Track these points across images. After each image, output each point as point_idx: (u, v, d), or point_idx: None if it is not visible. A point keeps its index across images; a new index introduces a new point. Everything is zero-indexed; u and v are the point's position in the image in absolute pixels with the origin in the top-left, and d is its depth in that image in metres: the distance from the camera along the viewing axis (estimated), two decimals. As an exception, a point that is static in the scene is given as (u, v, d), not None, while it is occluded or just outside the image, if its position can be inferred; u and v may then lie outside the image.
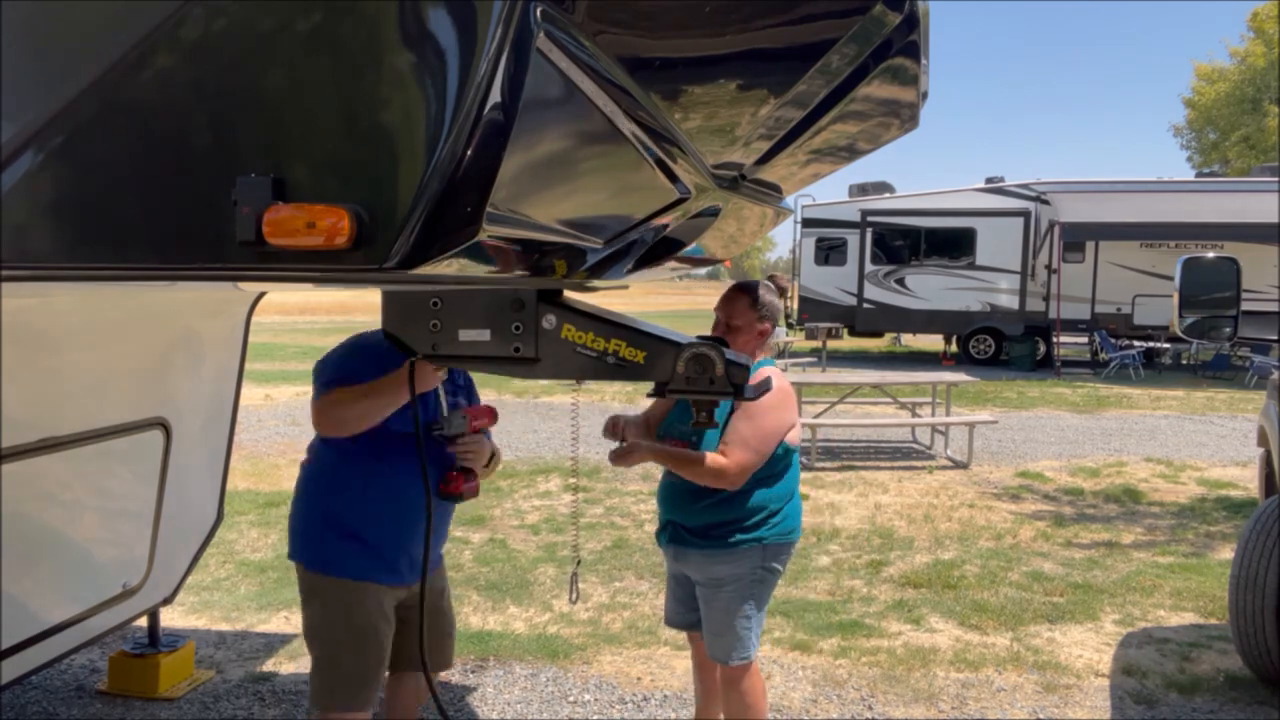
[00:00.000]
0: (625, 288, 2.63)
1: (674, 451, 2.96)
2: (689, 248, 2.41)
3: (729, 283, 3.18)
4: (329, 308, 32.85)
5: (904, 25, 1.71)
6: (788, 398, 3.05)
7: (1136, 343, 17.95)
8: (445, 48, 1.22)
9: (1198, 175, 24.24)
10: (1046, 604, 5.17)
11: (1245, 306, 3.93)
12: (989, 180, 19.76)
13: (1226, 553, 6.12)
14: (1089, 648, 4.58)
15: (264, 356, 17.56)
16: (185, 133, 1.28)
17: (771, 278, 3.31)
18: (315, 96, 1.25)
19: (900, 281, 19.75)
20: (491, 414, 2.83)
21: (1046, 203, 18.54)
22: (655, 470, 3.26)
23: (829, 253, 20.24)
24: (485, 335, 2.06)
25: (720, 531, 3.00)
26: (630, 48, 1.48)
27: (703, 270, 3.29)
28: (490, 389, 14.05)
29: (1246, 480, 8.51)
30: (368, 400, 2.53)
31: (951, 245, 19.40)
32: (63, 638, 3.28)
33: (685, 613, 3.25)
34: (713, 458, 2.90)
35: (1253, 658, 4.07)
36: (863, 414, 11.19)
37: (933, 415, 10.20)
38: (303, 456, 2.80)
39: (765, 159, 2.16)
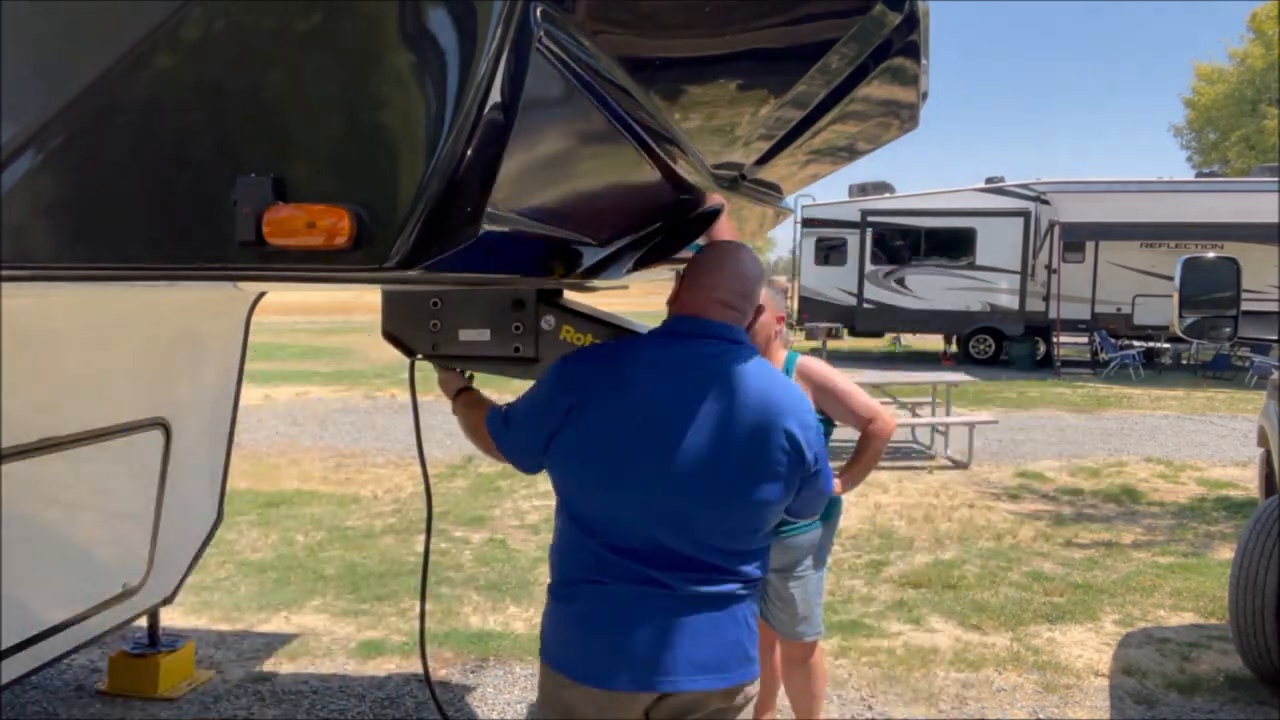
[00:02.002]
0: (625, 287, 2.63)
1: (862, 463, 3.03)
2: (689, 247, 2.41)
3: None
4: (329, 308, 32.77)
5: (904, 25, 1.71)
6: (826, 366, 3.14)
7: (1136, 343, 17.94)
8: (445, 48, 1.21)
9: (1198, 175, 24.24)
10: (1046, 604, 5.17)
11: (1245, 306, 3.94)
12: (989, 180, 19.75)
13: (1226, 553, 6.12)
14: (1089, 648, 4.58)
15: (264, 356, 17.53)
16: (185, 133, 1.28)
17: (770, 281, 3.41)
18: (315, 96, 1.24)
19: (900, 281, 19.73)
20: None
21: (1046, 203, 18.52)
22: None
23: (829, 253, 20.23)
24: (485, 335, 2.07)
25: None
26: (630, 48, 1.48)
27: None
28: (491, 389, 14.03)
29: (1246, 480, 8.50)
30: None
31: (951, 245, 19.38)
32: (63, 638, 3.28)
33: None
34: (869, 429, 2.98)
35: (1253, 658, 4.07)
36: (863, 414, 11.16)
37: (933, 415, 10.19)
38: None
39: (765, 159, 2.16)
